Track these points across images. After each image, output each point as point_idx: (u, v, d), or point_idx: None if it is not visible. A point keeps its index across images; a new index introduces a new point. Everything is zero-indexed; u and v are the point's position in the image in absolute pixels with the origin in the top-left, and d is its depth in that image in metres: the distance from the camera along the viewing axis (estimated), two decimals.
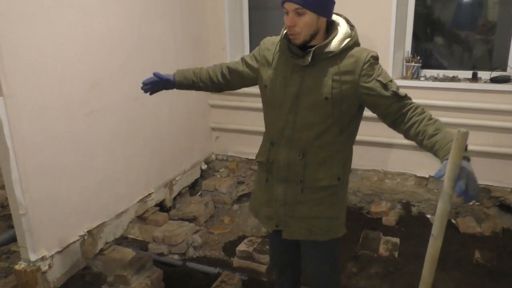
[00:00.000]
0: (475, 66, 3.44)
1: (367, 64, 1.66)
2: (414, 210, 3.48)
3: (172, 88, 2.10)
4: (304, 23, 1.62)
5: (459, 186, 1.33)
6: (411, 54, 3.47)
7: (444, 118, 3.23)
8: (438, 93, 3.29)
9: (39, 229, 2.39)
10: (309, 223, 1.82)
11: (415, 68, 3.41)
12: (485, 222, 3.27)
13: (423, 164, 3.48)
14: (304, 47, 1.68)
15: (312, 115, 1.71)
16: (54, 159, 2.43)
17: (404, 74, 3.49)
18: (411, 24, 3.44)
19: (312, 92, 1.69)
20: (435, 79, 3.38)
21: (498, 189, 3.30)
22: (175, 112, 3.52)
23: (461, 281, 2.69)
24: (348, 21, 1.75)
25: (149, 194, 3.27)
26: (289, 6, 1.61)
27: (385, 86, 1.65)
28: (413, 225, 3.35)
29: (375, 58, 1.70)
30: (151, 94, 2.11)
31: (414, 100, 1.72)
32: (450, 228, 3.28)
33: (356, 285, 2.69)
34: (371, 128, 3.51)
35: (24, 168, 2.27)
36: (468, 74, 3.33)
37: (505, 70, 3.27)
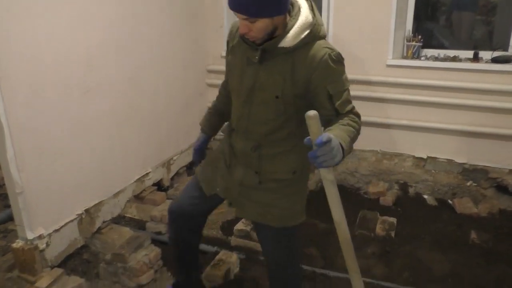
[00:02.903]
0: (476, 46, 3.40)
1: (322, 65, 1.53)
2: (411, 190, 3.48)
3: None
4: (258, 28, 1.49)
5: (312, 152, 1.28)
6: (412, 33, 3.43)
7: (444, 98, 3.26)
8: (439, 73, 3.27)
9: (35, 208, 2.38)
10: (262, 208, 1.79)
11: (416, 47, 3.37)
12: (482, 203, 3.28)
13: (421, 145, 3.48)
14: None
15: (264, 111, 1.66)
16: (50, 138, 2.41)
17: (405, 54, 3.45)
18: (412, 3, 3.38)
19: (265, 89, 1.62)
20: (436, 59, 3.35)
21: (496, 170, 3.31)
22: (172, 91, 3.48)
23: (457, 262, 2.71)
24: (311, 5, 1.61)
25: (147, 174, 3.26)
26: (239, 15, 1.49)
27: (330, 97, 1.54)
28: (410, 206, 3.36)
29: (334, 60, 1.54)
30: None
31: (357, 113, 1.60)
32: (447, 209, 3.29)
33: None
34: (369, 109, 3.50)
35: (20, 147, 2.25)
36: (469, 54, 3.29)
37: (506, 50, 3.24)
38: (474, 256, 2.76)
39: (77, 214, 2.65)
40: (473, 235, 2.93)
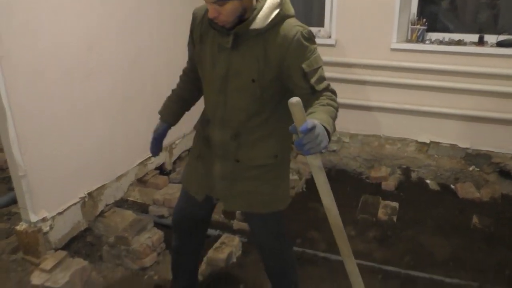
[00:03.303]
0: (481, 30, 3.36)
1: (294, 44, 1.50)
2: (413, 175, 3.48)
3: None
4: (228, 11, 1.45)
5: (298, 140, 1.26)
6: (417, 16, 3.39)
7: (448, 83, 3.23)
8: (443, 57, 3.24)
9: (39, 191, 2.39)
10: (247, 197, 1.78)
11: (420, 31, 3.34)
12: (484, 187, 3.28)
13: (424, 130, 3.46)
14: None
15: (241, 97, 1.62)
16: (52, 121, 2.41)
17: (409, 37, 3.42)
18: None
19: (239, 75, 1.58)
20: (441, 42, 3.31)
21: (499, 155, 3.30)
22: (174, 75, 3.43)
23: (459, 246, 2.72)
24: None
25: (149, 158, 3.26)
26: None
27: (304, 75, 1.51)
28: (413, 190, 3.37)
29: (306, 38, 1.52)
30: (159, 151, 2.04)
31: (331, 93, 1.56)
32: (449, 194, 3.30)
33: (354, 249, 2.68)
34: (372, 93, 3.48)
35: (22, 129, 2.24)
36: (474, 37, 3.26)
37: (511, 34, 3.20)
38: (475, 240, 2.77)
39: (80, 197, 2.66)
40: (475, 219, 2.94)
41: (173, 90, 2.00)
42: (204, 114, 1.83)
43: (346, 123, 3.61)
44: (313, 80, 1.52)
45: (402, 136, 3.56)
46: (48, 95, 2.36)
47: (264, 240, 1.94)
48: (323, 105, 1.49)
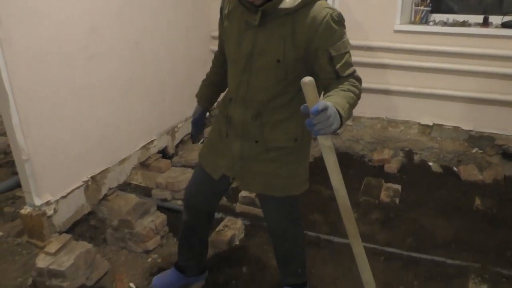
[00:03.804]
0: (486, 11, 3.32)
1: (323, 26, 1.47)
2: (416, 158, 3.48)
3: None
4: None
5: (309, 120, 1.27)
6: None
7: (452, 64, 3.21)
8: (447, 39, 3.21)
9: (42, 175, 2.40)
10: (265, 179, 1.78)
11: (424, 12, 3.30)
12: (487, 170, 3.28)
13: (427, 112, 3.45)
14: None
15: (265, 77, 1.61)
16: (54, 105, 2.41)
17: (413, 19, 3.38)
18: None
19: (265, 54, 1.57)
20: (445, 24, 3.28)
21: (502, 137, 3.29)
22: (177, 58, 3.45)
23: (461, 227, 2.73)
24: None
25: (152, 141, 3.27)
26: None
27: (331, 59, 1.49)
28: (415, 173, 3.37)
29: (335, 21, 1.49)
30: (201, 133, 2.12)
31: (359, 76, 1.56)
32: (452, 176, 3.30)
33: None
34: (375, 75, 3.46)
35: (24, 113, 2.24)
36: (479, 19, 3.22)
37: None
38: (477, 222, 2.77)
39: (83, 181, 2.67)
40: (477, 201, 2.94)
41: (207, 74, 2.03)
42: (227, 92, 1.83)
43: None
44: (338, 65, 1.51)
45: (405, 118, 3.55)
46: (50, 79, 2.35)
47: (277, 224, 1.95)
48: (344, 90, 1.48)
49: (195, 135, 2.09)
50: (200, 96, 2.04)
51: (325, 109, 1.24)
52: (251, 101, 1.68)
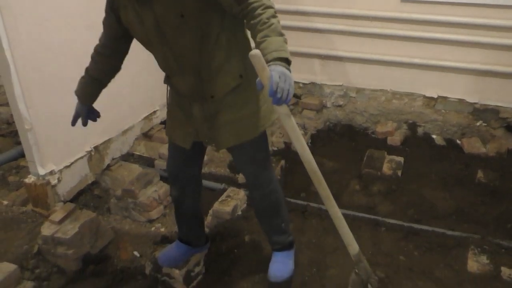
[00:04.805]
0: None
1: None
2: (420, 130, 3.46)
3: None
4: None
5: (269, 89, 1.36)
6: None
7: (459, 35, 3.15)
8: (454, 9, 3.13)
9: (45, 144, 2.41)
10: (233, 128, 1.81)
11: None
12: (491, 142, 3.26)
13: (432, 84, 3.41)
14: None
15: (181, 39, 1.61)
16: (56, 74, 2.40)
17: None
18: None
19: (168, 17, 1.57)
20: None
21: (507, 110, 3.25)
22: None
23: (462, 199, 2.74)
24: None
25: (154, 112, 3.26)
26: None
27: None
28: (418, 145, 3.35)
29: None
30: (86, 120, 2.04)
31: None
32: (455, 149, 3.29)
33: (358, 202, 2.75)
34: (381, 47, 3.41)
35: (26, 83, 2.24)
36: None
37: None
38: (479, 194, 2.78)
39: (86, 151, 2.68)
40: (480, 174, 2.94)
41: (86, 70, 1.95)
42: (163, 70, 1.84)
43: (353, 77, 3.56)
44: None
45: (410, 90, 3.52)
46: (51, 48, 2.33)
47: (254, 174, 1.98)
48: (265, 23, 1.50)
49: (74, 123, 2.04)
50: (82, 95, 1.98)
51: (279, 80, 1.36)
52: (184, 66, 1.70)
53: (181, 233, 2.25)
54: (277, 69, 1.40)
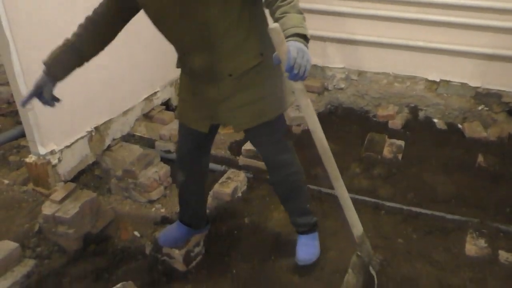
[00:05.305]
0: None
1: None
2: (421, 114, 3.45)
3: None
4: None
5: (286, 64, 1.36)
6: None
7: (463, 18, 3.11)
8: None
9: (46, 124, 2.41)
10: (253, 108, 1.78)
11: None
12: (492, 127, 3.25)
13: (435, 68, 3.39)
14: None
15: (206, 11, 1.56)
16: None
17: None
18: None
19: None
20: None
21: (510, 95, 3.24)
22: None
23: (462, 184, 2.74)
24: None
25: (155, 93, 3.25)
26: None
27: None
28: (419, 129, 3.35)
29: None
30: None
31: None
32: (455, 133, 3.28)
33: (359, 185, 2.76)
34: (382, 29, 3.37)
35: (26, 62, 2.22)
36: None
37: None
38: (479, 179, 2.78)
39: (87, 131, 2.68)
40: (480, 158, 2.94)
41: (66, 40, 1.73)
42: (177, 49, 1.78)
43: (355, 60, 3.54)
44: None
45: (412, 74, 3.49)
46: (50, 26, 2.30)
47: (272, 155, 1.96)
48: (285, 0, 1.51)
49: (25, 102, 1.74)
50: (56, 66, 1.71)
51: (297, 55, 1.35)
52: (201, 43, 1.64)
53: (182, 215, 2.25)
54: (296, 44, 1.39)
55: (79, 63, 1.76)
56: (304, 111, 1.44)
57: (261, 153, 2.01)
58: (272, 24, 1.32)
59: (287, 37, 1.41)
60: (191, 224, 2.24)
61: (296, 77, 1.39)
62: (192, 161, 2.05)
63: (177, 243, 2.20)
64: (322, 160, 1.52)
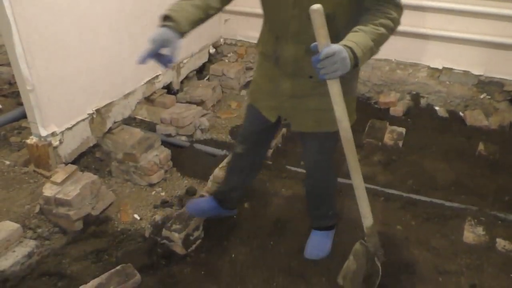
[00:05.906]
0: None
1: None
2: (423, 101, 3.44)
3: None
4: None
5: (317, 56, 1.32)
6: None
7: (467, 6, 3.08)
8: None
9: (47, 106, 2.40)
10: (317, 115, 1.76)
11: None
12: (493, 115, 3.25)
13: (438, 55, 3.37)
14: None
15: (324, 4, 1.48)
16: (58, 35, 2.36)
17: None
18: None
19: None
20: None
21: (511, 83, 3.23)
22: None
23: (462, 171, 2.75)
24: None
25: (156, 76, 3.24)
26: None
27: None
28: (420, 117, 3.35)
29: None
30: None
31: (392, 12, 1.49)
32: (457, 121, 3.28)
33: None
34: None
35: (28, 43, 2.21)
36: None
37: None
38: (479, 166, 2.79)
39: (88, 114, 2.68)
40: (481, 146, 2.95)
41: None
42: (267, 33, 1.73)
43: None
44: None
45: (414, 61, 3.48)
46: (52, 8, 2.29)
47: (317, 163, 1.99)
48: (374, 25, 1.45)
49: (142, 60, 1.59)
50: (182, 18, 1.52)
51: (331, 55, 1.28)
52: (305, 35, 1.57)
53: (219, 191, 2.29)
54: (341, 50, 1.33)
55: (205, 18, 1.62)
56: (334, 98, 1.43)
57: (307, 158, 2.04)
58: (314, 5, 1.25)
59: (343, 44, 1.36)
60: (222, 201, 2.26)
61: (317, 70, 1.35)
62: (253, 143, 2.07)
63: (203, 215, 2.26)
64: (344, 149, 1.52)
